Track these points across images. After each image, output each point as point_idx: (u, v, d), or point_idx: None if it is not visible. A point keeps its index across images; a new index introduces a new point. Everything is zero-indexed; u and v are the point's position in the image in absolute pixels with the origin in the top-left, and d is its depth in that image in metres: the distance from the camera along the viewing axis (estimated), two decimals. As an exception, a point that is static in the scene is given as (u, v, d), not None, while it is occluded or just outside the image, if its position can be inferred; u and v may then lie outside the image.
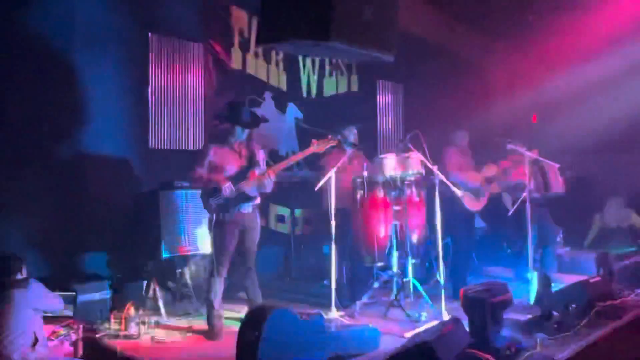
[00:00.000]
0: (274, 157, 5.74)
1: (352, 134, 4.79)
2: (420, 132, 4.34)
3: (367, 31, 2.72)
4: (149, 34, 4.94)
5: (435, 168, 4.13)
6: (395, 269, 4.38)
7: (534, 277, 4.40)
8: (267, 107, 5.95)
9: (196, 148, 5.17)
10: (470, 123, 5.55)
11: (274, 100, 6.02)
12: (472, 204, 4.93)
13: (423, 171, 4.38)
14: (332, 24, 2.56)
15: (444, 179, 4.12)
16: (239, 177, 3.91)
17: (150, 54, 4.94)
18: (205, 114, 5.33)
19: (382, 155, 4.44)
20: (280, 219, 6.06)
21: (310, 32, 2.60)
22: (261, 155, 4.13)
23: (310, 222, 6.14)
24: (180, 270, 4.55)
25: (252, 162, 3.99)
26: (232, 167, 3.94)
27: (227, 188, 3.83)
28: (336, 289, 4.22)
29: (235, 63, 5.63)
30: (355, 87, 6.91)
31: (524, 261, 5.06)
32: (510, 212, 4.98)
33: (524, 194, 4.64)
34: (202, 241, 4.48)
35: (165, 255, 4.36)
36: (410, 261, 4.34)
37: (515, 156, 4.94)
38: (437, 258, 4.29)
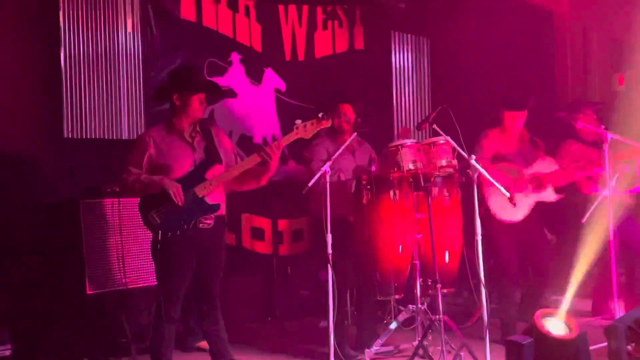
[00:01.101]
0: (245, 146, 5.75)
1: (353, 111, 4.79)
2: (452, 107, 4.33)
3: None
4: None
5: (472, 158, 4.12)
6: (419, 302, 4.39)
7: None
8: (234, 75, 5.95)
9: (132, 137, 5.16)
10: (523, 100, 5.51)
11: (244, 65, 6.02)
12: (503, 212, 4.86)
13: (456, 163, 4.37)
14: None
15: (486, 174, 4.11)
16: (194, 177, 3.91)
17: (61, 3, 4.92)
18: (143, 86, 5.32)
19: (398, 142, 4.43)
20: (258, 234, 6.07)
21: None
22: (225, 144, 4.12)
23: (299, 238, 6.16)
24: (113, 312, 4.55)
25: (211, 154, 3.99)
26: (182, 164, 3.94)
27: (177, 194, 3.82)
28: (336, 333, 4.23)
29: (187, 12, 5.62)
30: (360, 43, 6.89)
31: (604, 289, 5.08)
32: (584, 219, 5.00)
33: (603, 194, 4.65)
34: (144, 270, 4.48)
35: (90, 290, 4.36)
36: (441, 291, 4.33)
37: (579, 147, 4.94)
38: (478, 286, 4.28)
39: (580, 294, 5.80)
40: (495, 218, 4.80)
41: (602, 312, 5.31)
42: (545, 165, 4.94)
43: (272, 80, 6.22)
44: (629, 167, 5.00)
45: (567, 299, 4.44)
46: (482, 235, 4.05)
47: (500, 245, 4.87)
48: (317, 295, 5.60)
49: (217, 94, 4.59)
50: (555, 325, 3.98)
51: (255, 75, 6.10)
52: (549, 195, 4.95)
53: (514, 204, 4.18)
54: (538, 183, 4.86)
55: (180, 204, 3.80)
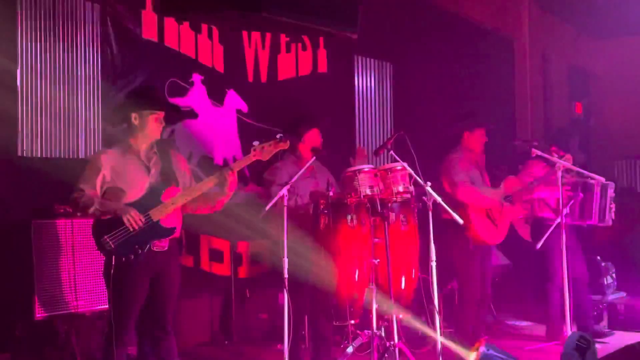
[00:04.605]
0: (206, 167, 5.72)
1: (312, 134, 4.81)
2: (410, 131, 4.39)
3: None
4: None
5: (427, 185, 4.17)
6: (376, 327, 4.38)
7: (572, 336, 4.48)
8: (195, 96, 5.93)
9: (89, 156, 5.10)
10: (486, 118, 5.64)
11: (206, 86, 6.01)
12: (488, 235, 4.98)
13: (412, 189, 4.42)
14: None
15: (440, 200, 4.16)
16: (150, 200, 3.86)
17: (19, 18, 4.86)
18: (102, 105, 5.27)
19: (355, 167, 4.46)
20: (217, 256, 6.03)
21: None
22: (182, 165, 4.09)
23: (259, 260, 6.13)
24: (63, 336, 4.47)
25: (167, 177, 3.95)
26: (137, 187, 3.89)
27: (131, 219, 3.75)
28: (293, 356, 4.24)
29: (148, 31, 5.61)
30: (323, 67, 6.95)
31: (558, 314, 5.16)
32: (539, 246, 5.08)
33: (557, 221, 4.73)
34: (96, 293, 4.43)
35: (40, 314, 4.28)
36: (397, 316, 4.35)
37: (543, 167, 5.04)
38: (435, 311, 4.31)
39: (535, 319, 5.91)
40: (472, 242, 4.87)
41: (556, 338, 5.38)
42: (513, 183, 5.07)
43: (234, 101, 6.22)
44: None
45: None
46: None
47: (471, 270, 4.95)
48: (276, 319, 5.57)
49: (176, 113, 4.56)
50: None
51: (217, 96, 6.10)
52: (519, 211, 5.09)
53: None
54: (510, 201, 4.98)
55: (136, 230, 3.75)
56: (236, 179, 3.96)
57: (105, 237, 3.77)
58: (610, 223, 5.33)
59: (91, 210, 3.78)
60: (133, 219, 3.73)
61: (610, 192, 5.27)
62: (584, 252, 5.57)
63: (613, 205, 5.31)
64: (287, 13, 2.63)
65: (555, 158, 4.87)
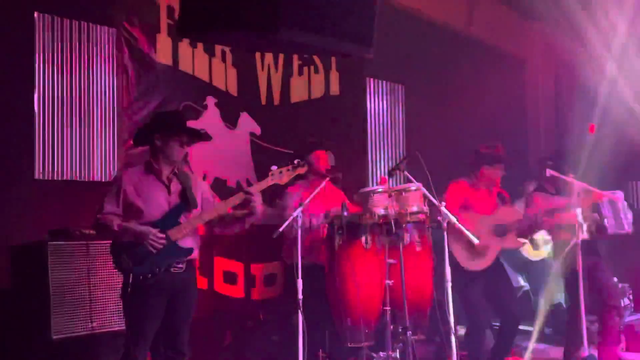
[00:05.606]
0: (219, 190, 5.74)
1: (322, 161, 4.86)
2: (425, 153, 4.40)
3: (331, 17, 2.79)
4: (35, 13, 4.93)
5: (442, 205, 4.18)
6: (390, 349, 4.37)
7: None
8: (209, 119, 5.98)
9: (105, 179, 5.15)
10: (501, 139, 5.63)
11: (220, 109, 6.07)
12: (471, 261, 4.90)
13: (426, 209, 4.42)
14: (281, 9, 2.60)
15: (455, 221, 4.16)
16: (168, 221, 3.90)
17: (36, 44, 4.94)
18: (117, 129, 5.33)
19: (369, 188, 4.48)
20: (230, 278, 6.03)
21: (252, 20, 2.65)
22: (202, 187, 4.14)
23: (272, 282, 6.13)
24: (79, 357, 4.44)
25: (187, 198, 3.99)
26: (157, 206, 3.93)
27: (152, 238, 3.80)
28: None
29: (163, 55, 5.68)
30: (335, 89, 7.00)
31: (576, 335, 5.10)
32: (555, 266, 5.06)
33: (575, 240, 4.71)
34: (112, 314, 4.43)
35: (56, 335, 4.28)
36: (411, 338, 4.33)
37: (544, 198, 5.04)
38: (449, 333, 4.29)
39: (552, 341, 5.86)
40: (461, 267, 4.84)
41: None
42: (508, 213, 5.03)
43: (247, 124, 6.27)
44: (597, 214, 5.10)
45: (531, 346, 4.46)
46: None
47: (468, 293, 4.91)
48: (289, 341, 5.54)
49: (199, 138, 4.62)
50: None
51: (230, 119, 6.14)
52: (513, 242, 5.03)
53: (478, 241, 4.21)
54: (502, 231, 4.93)
55: (157, 249, 3.79)
56: (261, 199, 4.01)
57: (124, 255, 3.81)
58: (629, 230, 5.23)
59: (113, 230, 3.84)
60: (154, 241, 3.78)
61: (621, 203, 5.20)
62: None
63: (630, 214, 5.24)
64: (304, 33, 2.68)
65: (571, 178, 4.86)
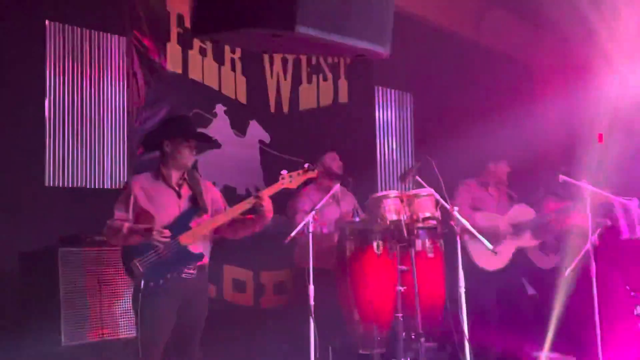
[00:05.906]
0: (228, 197, 5.73)
1: (336, 163, 4.85)
2: (434, 158, 4.39)
3: (347, 15, 2.79)
4: (47, 22, 4.97)
5: (455, 210, 4.16)
6: (402, 356, 4.34)
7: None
8: (218, 127, 6.00)
9: (115, 186, 5.16)
10: (509, 145, 5.64)
11: (229, 117, 6.08)
12: (487, 260, 4.91)
13: (439, 215, 4.41)
14: (298, 6, 2.60)
15: (468, 225, 4.14)
16: (179, 226, 3.89)
17: (47, 52, 4.98)
18: (127, 136, 5.35)
19: (381, 193, 4.47)
20: (239, 286, 6.02)
21: (268, 17, 2.65)
22: (212, 193, 4.13)
23: (283, 290, 6.11)
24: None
25: (197, 204, 3.98)
26: (167, 211, 3.92)
27: (163, 242, 3.79)
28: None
29: (173, 64, 5.70)
30: (344, 97, 7.01)
31: (591, 344, 5.05)
32: (567, 272, 5.01)
33: (587, 247, 4.68)
34: (122, 321, 4.43)
35: (66, 342, 4.28)
36: (424, 345, 4.31)
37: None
38: (462, 340, 4.25)
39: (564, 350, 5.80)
40: (476, 266, 4.83)
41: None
42: (522, 212, 5.02)
43: (256, 132, 6.28)
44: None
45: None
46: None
47: (480, 295, 4.89)
48: (299, 348, 5.51)
49: (208, 143, 4.62)
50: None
51: (239, 127, 6.16)
52: (528, 240, 5.02)
53: (496, 253, 4.20)
54: (517, 229, 4.94)
55: (167, 238, 3.77)
56: (271, 204, 3.99)
57: (135, 260, 3.79)
58: None
59: (123, 236, 3.82)
60: (159, 235, 3.77)
61: (634, 208, 5.18)
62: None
63: None
64: (320, 31, 2.67)
65: (584, 184, 4.83)
